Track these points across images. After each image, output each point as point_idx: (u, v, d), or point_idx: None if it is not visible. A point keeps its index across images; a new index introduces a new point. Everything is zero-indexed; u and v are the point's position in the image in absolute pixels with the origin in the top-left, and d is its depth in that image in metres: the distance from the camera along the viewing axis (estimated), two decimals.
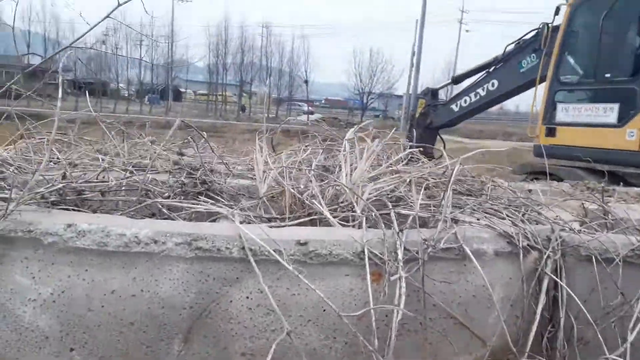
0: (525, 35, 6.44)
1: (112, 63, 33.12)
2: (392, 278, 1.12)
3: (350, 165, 1.65)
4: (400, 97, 35.31)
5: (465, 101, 7.46)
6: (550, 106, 5.69)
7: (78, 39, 2.24)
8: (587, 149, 5.25)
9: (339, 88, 42.78)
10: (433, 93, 8.40)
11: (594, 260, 1.33)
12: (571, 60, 5.66)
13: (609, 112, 5.10)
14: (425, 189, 1.67)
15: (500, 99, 6.71)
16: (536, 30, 6.16)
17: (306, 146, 2.29)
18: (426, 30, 26.67)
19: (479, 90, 7.15)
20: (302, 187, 1.58)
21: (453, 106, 7.64)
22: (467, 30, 42.42)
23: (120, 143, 2.09)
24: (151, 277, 1.06)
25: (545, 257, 1.30)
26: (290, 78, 31.83)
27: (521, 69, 6.43)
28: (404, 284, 1.11)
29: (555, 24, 5.98)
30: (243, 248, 1.09)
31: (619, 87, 5.02)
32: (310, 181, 1.58)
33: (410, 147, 8.12)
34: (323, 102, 53.90)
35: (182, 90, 45.19)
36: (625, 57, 5.12)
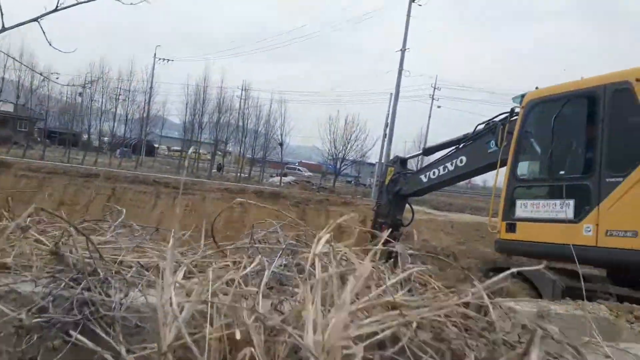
0: (495, 117, 6.96)
1: (86, 114, 33.20)
2: None
3: (323, 309, 1.11)
4: (372, 164, 36.59)
5: (434, 173, 7.83)
6: (509, 202, 6.08)
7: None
8: (546, 244, 5.59)
9: (312, 151, 43.80)
10: (402, 161, 9.14)
11: None
12: (527, 159, 6.23)
13: (565, 207, 5.40)
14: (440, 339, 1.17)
15: (468, 175, 7.19)
16: (505, 114, 6.70)
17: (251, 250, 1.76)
18: (400, 103, 28.29)
19: (448, 165, 7.57)
20: (238, 331, 1.10)
21: (422, 177, 8.17)
22: (438, 107, 45.02)
23: None
24: None
25: None
26: (265, 140, 32.41)
27: (489, 149, 6.79)
28: None
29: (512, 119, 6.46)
30: None
31: (574, 184, 5.45)
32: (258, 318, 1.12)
33: (377, 214, 8.77)
34: (297, 164, 54.86)
35: (156, 145, 45.28)
36: (577, 156, 5.67)
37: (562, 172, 5.71)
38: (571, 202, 5.34)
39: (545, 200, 5.70)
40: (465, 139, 7.37)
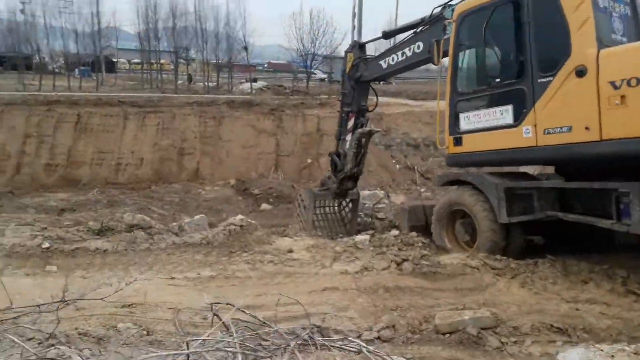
0: (451, 0, 6.84)
1: (31, 33, 31.08)
2: None
3: None
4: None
5: (392, 59, 7.81)
6: (453, 117, 6.37)
7: None
8: (492, 151, 5.94)
9: (279, 50, 42.16)
10: (360, 46, 8.98)
11: None
12: (464, 72, 6.40)
13: (505, 114, 5.69)
14: None
15: (427, 61, 7.17)
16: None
17: None
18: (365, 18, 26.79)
19: (406, 51, 7.55)
20: None
21: (382, 62, 8.16)
22: None
23: None
24: None
25: None
26: (228, 43, 31.05)
27: (445, 35, 6.72)
28: None
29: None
30: None
31: (510, 90, 5.67)
32: None
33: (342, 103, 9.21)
34: (266, 66, 53.09)
35: (115, 60, 43.11)
36: (510, 62, 5.77)
37: (498, 80, 5.83)
38: (509, 107, 5.59)
39: (486, 110, 5.92)
40: (422, 22, 7.28)
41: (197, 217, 7.85)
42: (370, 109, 9.11)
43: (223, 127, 19.51)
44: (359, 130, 8.65)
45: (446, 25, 6.47)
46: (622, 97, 4.57)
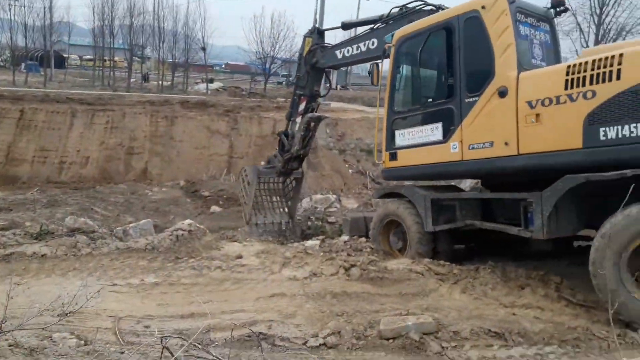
0: (409, 2, 7.23)
1: None
2: None
3: None
4: None
5: (348, 51, 8.14)
6: (390, 134, 6.73)
7: None
8: (424, 166, 6.32)
9: (238, 52, 41.70)
10: (320, 32, 9.20)
11: None
12: (401, 92, 6.80)
13: (435, 131, 6.08)
14: None
15: (379, 57, 7.36)
16: (417, 2, 7.10)
17: None
18: (327, 14, 26.96)
19: (361, 45, 7.87)
20: None
21: (337, 52, 8.46)
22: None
23: None
24: None
25: None
26: (186, 43, 30.44)
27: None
28: None
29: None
30: None
31: (440, 109, 6.07)
32: None
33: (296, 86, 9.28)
34: (223, 66, 52.37)
35: (66, 55, 41.38)
36: (442, 83, 6.26)
37: (430, 100, 6.29)
38: (439, 124, 5.95)
39: (418, 127, 6.26)
40: (379, 20, 7.56)
41: (142, 221, 7.61)
42: (322, 94, 9.32)
43: (175, 127, 19.04)
44: (309, 114, 8.87)
45: (386, 49, 6.76)
46: (537, 115, 4.95)
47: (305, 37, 8.98)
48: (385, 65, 6.91)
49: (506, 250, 6.38)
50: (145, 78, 35.27)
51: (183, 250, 6.31)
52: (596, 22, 21.08)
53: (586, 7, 21.01)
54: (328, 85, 9.64)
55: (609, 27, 21.02)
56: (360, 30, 8.53)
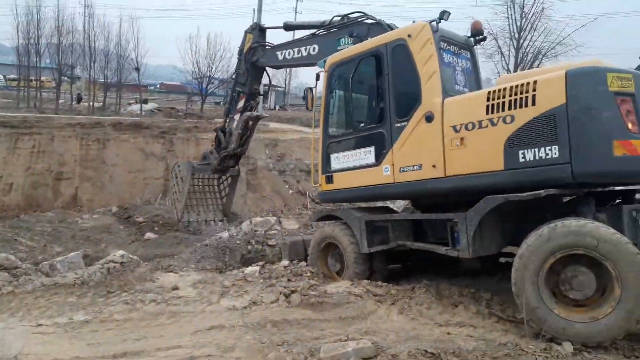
0: (351, 13, 7.38)
1: None
2: None
3: None
4: None
5: (289, 53, 8.22)
6: (325, 157, 6.87)
7: None
8: (358, 188, 6.45)
9: (174, 71, 40.84)
10: (261, 29, 9.18)
11: None
12: (335, 116, 6.97)
13: (368, 154, 6.24)
14: None
15: (315, 64, 7.46)
16: (358, 13, 7.27)
17: None
18: (264, 17, 27.21)
19: (302, 49, 7.98)
20: None
21: (278, 53, 8.53)
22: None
23: None
24: None
25: None
26: (118, 63, 29.44)
27: (338, 46, 7.18)
28: None
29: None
30: None
31: (372, 133, 6.23)
32: None
33: (235, 82, 9.20)
34: (158, 86, 51.03)
35: None
36: (373, 108, 6.47)
37: (362, 124, 6.47)
38: (372, 148, 6.12)
39: (353, 151, 6.41)
40: (321, 27, 7.69)
41: (71, 254, 7.16)
42: (261, 92, 9.33)
43: (108, 151, 18.25)
44: (248, 113, 8.75)
45: (318, 74, 6.90)
46: (462, 139, 5.18)
47: (246, 32, 8.89)
48: (320, 88, 7.06)
49: (441, 268, 6.56)
50: (79, 99, 33.62)
51: (115, 283, 5.98)
52: (515, 46, 22.67)
53: (506, 32, 22.61)
54: (266, 105, 9.71)
55: (527, 50, 22.66)
56: (301, 33, 8.45)
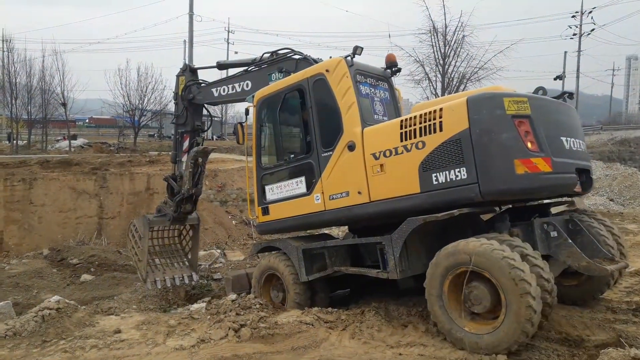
0: (281, 49, 7.69)
1: None
2: None
3: None
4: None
5: (224, 90, 8.44)
6: (260, 189, 7.05)
7: None
8: (293, 218, 6.63)
9: (103, 105, 39.75)
10: (192, 70, 9.27)
11: None
12: (266, 148, 7.21)
13: (300, 184, 6.48)
14: None
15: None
16: (286, 50, 7.54)
17: None
18: (196, 49, 27.20)
19: (236, 85, 8.20)
20: None
21: (214, 90, 8.71)
22: (235, 52, 46.13)
23: None
24: None
25: None
26: (43, 99, 28.27)
27: (270, 80, 7.42)
28: None
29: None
30: None
31: (302, 163, 6.49)
32: None
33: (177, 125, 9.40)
34: (87, 121, 49.22)
35: None
36: (301, 140, 6.74)
37: (292, 156, 6.70)
38: (303, 178, 6.37)
39: (285, 182, 6.63)
40: (253, 63, 7.91)
41: (0, 303, 6.85)
42: (204, 128, 9.21)
43: (35, 190, 17.36)
44: (195, 148, 8.62)
45: (248, 109, 7.12)
46: (381, 165, 5.51)
47: (177, 76, 9.00)
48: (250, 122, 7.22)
49: (387, 289, 6.70)
50: (10, 138, 31.62)
51: (51, 331, 5.73)
52: (441, 72, 24.04)
53: (431, 58, 23.95)
54: (211, 118, 9.65)
55: (452, 75, 24.08)
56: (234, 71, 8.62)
